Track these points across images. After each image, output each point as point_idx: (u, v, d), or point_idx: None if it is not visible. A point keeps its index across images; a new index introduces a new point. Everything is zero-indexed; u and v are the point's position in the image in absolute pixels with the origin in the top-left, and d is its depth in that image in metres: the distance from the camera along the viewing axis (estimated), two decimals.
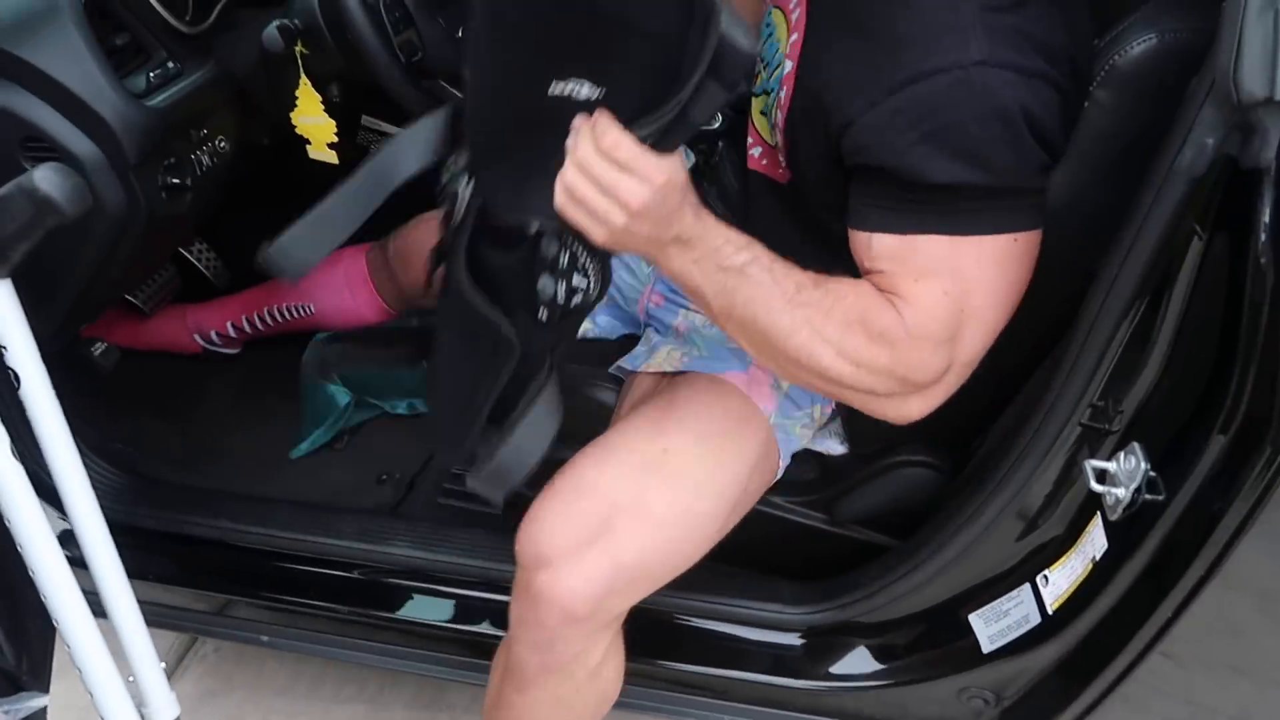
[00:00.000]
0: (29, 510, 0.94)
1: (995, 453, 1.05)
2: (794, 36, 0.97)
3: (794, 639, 1.20)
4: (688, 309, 1.22)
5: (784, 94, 0.96)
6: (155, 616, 1.39)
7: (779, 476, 1.14)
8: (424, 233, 1.43)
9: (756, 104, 1.08)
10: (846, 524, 1.21)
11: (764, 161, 1.08)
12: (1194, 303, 0.84)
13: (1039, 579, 1.05)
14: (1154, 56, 0.84)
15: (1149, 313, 0.86)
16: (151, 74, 1.16)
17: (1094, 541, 0.97)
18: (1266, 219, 0.71)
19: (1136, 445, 0.88)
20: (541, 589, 0.97)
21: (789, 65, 0.97)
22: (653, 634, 1.21)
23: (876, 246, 0.87)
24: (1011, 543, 1.06)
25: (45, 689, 0.98)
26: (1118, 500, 0.88)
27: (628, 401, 1.18)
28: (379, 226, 1.51)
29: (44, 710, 0.92)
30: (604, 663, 1.05)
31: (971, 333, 0.87)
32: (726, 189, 1.18)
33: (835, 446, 1.21)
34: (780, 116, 0.97)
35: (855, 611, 1.15)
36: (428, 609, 1.30)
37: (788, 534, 1.22)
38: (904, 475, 1.16)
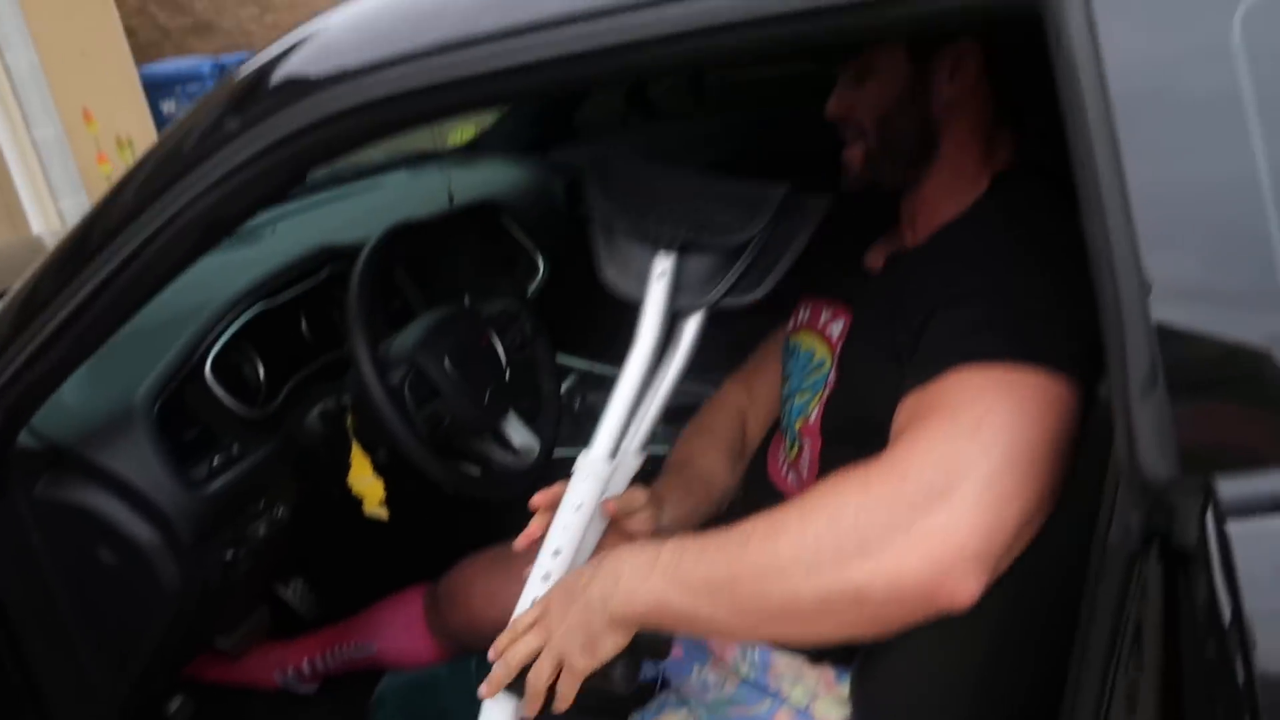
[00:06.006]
0: None
1: None
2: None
3: None
4: None
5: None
6: None
7: None
8: (471, 574, 1.48)
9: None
10: None
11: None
12: None
13: None
14: None
15: None
16: (215, 460, 1.31)
17: None
18: (1204, 612, 0.63)
19: None
20: None
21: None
22: None
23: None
24: None
25: None
26: None
27: None
28: (436, 567, 1.58)
29: None
30: None
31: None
32: None
33: None
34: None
35: None
36: None
37: None
38: None
